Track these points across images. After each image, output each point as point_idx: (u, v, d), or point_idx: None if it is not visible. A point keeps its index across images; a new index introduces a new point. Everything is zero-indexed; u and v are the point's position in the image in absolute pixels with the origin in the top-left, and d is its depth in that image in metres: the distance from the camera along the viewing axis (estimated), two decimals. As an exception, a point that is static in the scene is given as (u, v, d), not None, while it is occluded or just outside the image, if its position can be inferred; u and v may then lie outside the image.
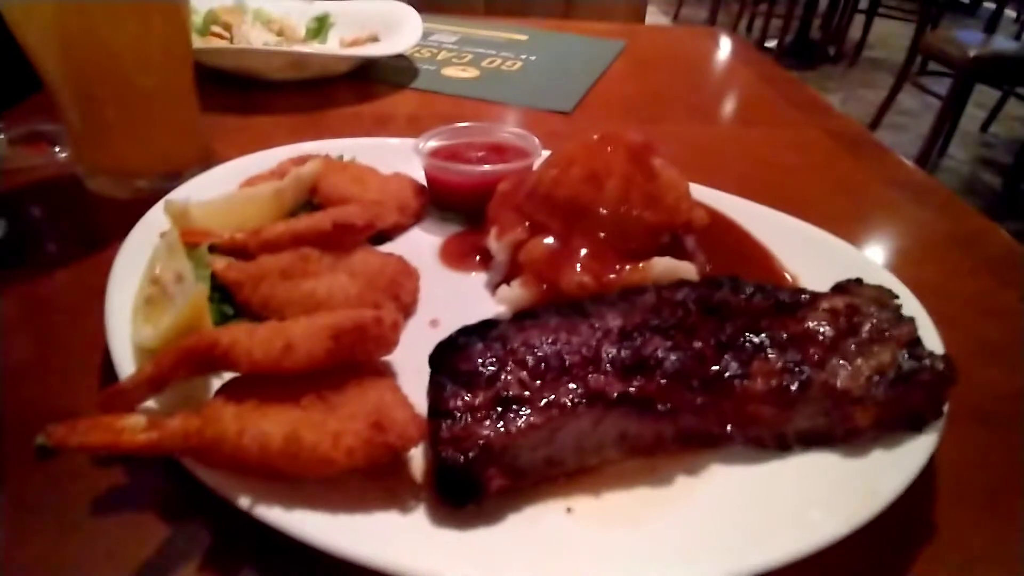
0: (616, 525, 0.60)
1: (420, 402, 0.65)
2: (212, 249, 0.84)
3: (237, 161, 1.08)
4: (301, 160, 1.05)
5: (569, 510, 0.61)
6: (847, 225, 1.20)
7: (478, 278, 0.93)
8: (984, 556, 0.63)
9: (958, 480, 0.70)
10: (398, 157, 1.13)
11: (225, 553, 0.59)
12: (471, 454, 0.58)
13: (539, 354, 0.66)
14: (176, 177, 1.16)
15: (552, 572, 0.55)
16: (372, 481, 0.61)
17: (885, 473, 0.60)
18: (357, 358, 0.65)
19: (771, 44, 7.67)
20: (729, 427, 0.66)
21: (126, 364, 0.67)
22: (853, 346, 0.67)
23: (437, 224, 1.05)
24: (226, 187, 1.00)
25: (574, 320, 0.70)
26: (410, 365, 0.72)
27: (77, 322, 0.84)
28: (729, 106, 1.81)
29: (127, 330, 0.71)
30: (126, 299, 0.75)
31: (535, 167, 1.01)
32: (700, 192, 1.08)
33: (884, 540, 0.62)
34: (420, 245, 1.00)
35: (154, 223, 0.87)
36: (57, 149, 1.26)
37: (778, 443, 0.66)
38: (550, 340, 0.67)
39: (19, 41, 0.99)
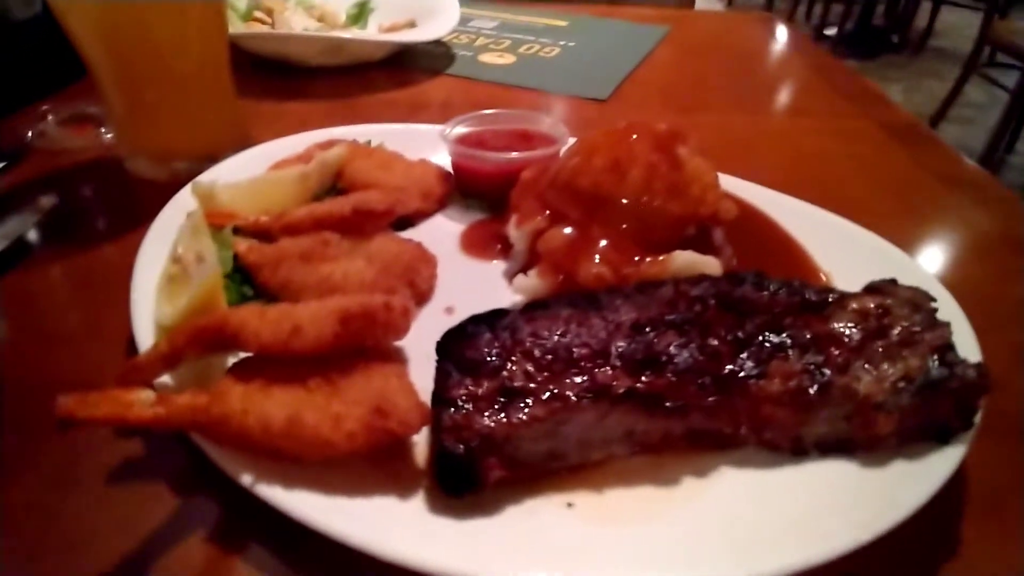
0: (617, 523, 0.59)
1: (430, 388, 0.65)
2: (236, 231, 0.86)
3: (268, 145, 1.09)
4: (328, 145, 1.05)
5: (570, 505, 0.60)
6: (893, 222, 1.14)
7: (497, 266, 0.92)
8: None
9: (990, 494, 0.65)
10: (426, 143, 1.13)
11: (232, 527, 0.61)
12: (471, 444, 0.57)
13: (547, 345, 0.65)
14: (212, 160, 1.18)
15: (548, 567, 0.54)
16: (375, 465, 0.61)
17: (906, 484, 0.57)
18: (365, 342, 0.65)
19: (831, 32, 7.36)
20: (742, 428, 0.63)
21: (146, 340, 0.69)
22: (880, 349, 0.64)
23: (461, 211, 1.05)
24: (256, 170, 1.02)
25: (586, 312, 0.69)
26: (422, 351, 0.72)
27: (110, 297, 0.87)
28: (776, 95, 1.74)
29: (150, 307, 0.73)
30: (152, 277, 0.77)
31: (560, 155, 0.99)
32: (733, 184, 1.04)
33: (906, 553, 0.59)
34: (442, 232, 0.99)
35: (183, 204, 0.90)
36: (103, 131, 1.31)
37: (794, 447, 0.63)
38: (559, 331, 0.66)
39: (63, 28, 1.03)
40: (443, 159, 1.10)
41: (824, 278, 0.89)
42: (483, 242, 0.96)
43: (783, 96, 1.75)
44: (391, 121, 1.40)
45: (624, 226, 0.82)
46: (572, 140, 1.05)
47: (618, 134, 0.88)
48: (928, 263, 1.03)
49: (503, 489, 0.59)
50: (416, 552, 0.53)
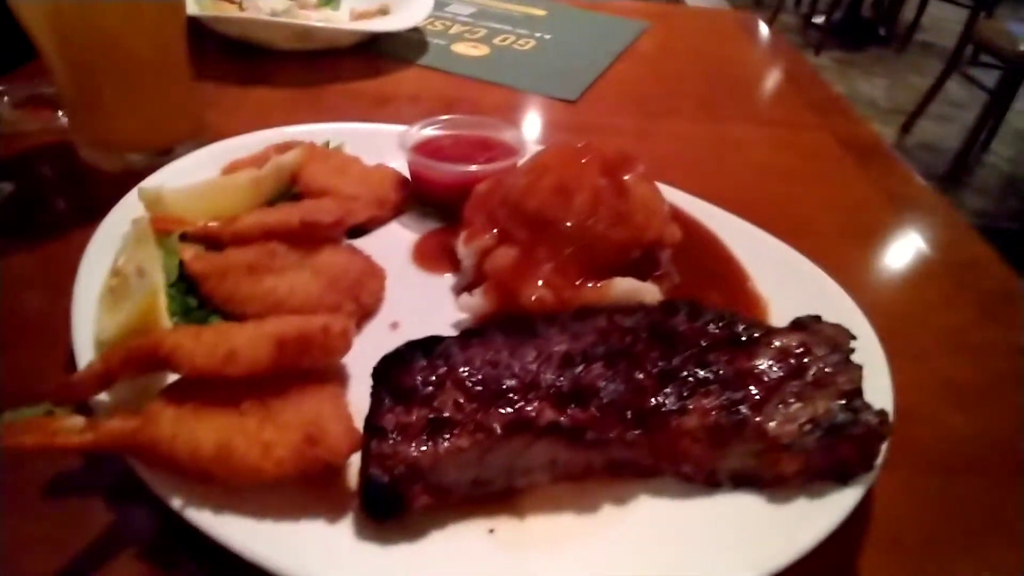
0: (536, 549, 0.62)
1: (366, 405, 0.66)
2: (184, 237, 0.86)
3: (222, 143, 1.09)
4: (285, 147, 1.05)
5: (491, 531, 0.62)
6: (839, 242, 1.18)
7: (447, 280, 0.94)
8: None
9: (895, 527, 0.69)
10: (388, 146, 1.12)
11: (166, 545, 0.62)
12: (397, 473, 0.59)
13: (478, 376, 0.67)
14: (167, 152, 1.17)
15: (462, 593, 0.57)
16: (307, 487, 0.63)
17: (804, 523, 0.61)
18: (303, 365, 0.67)
19: (819, 20, 7.35)
20: (661, 461, 0.66)
21: (86, 354, 0.70)
22: (794, 390, 0.67)
23: (417, 220, 1.06)
24: (210, 169, 1.02)
25: (521, 341, 0.71)
26: (364, 368, 0.73)
27: (60, 295, 0.86)
28: (743, 102, 1.75)
29: (90, 318, 0.73)
30: (94, 286, 0.77)
31: (517, 167, 1.00)
32: (685, 201, 1.07)
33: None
34: (394, 240, 1.00)
35: (131, 208, 0.89)
36: (60, 114, 1.28)
37: (708, 479, 0.66)
38: (492, 361, 0.68)
39: (11, 8, 1.00)
40: (403, 163, 1.10)
41: (763, 303, 0.92)
42: (435, 254, 0.97)
43: (750, 103, 1.76)
44: (356, 114, 1.40)
45: (569, 249, 0.84)
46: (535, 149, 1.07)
47: (568, 156, 0.89)
48: (867, 286, 1.07)
49: (428, 514, 0.62)
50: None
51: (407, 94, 1.56)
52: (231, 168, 1.02)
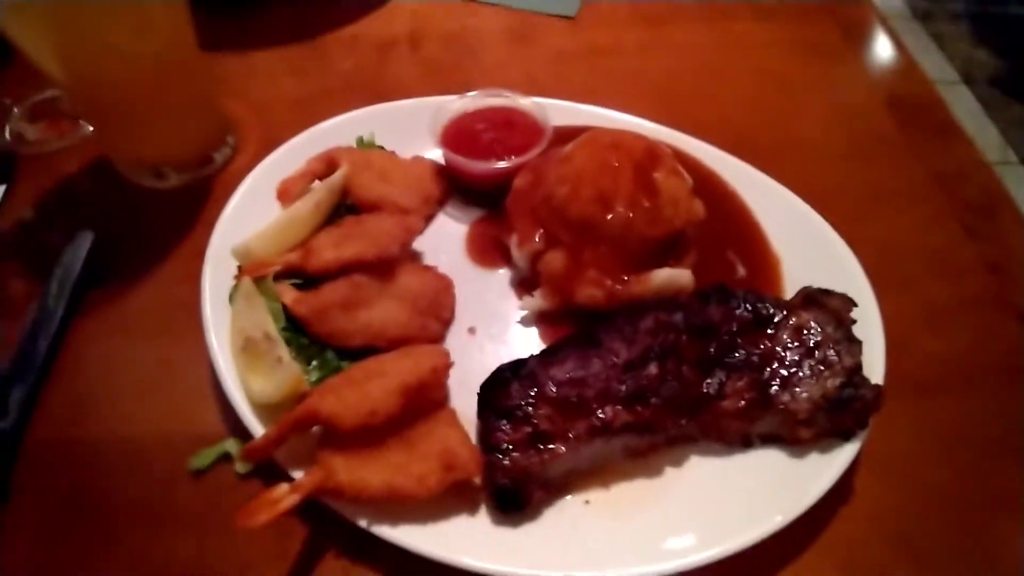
0: (623, 512, 0.84)
1: (466, 407, 0.87)
2: (276, 277, 0.98)
3: (263, 166, 1.13)
4: (326, 158, 1.12)
5: (587, 502, 0.85)
6: (832, 158, 1.28)
7: (503, 276, 1.08)
8: (892, 514, 0.87)
9: (882, 448, 0.90)
10: (414, 124, 1.17)
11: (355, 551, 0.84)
12: (517, 479, 0.80)
13: (562, 392, 0.85)
14: (207, 161, 1.23)
15: (575, 555, 0.80)
16: (451, 492, 0.83)
17: (818, 472, 0.83)
18: (423, 402, 0.85)
19: None
20: (707, 434, 0.87)
21: (244, 409, 0.87)
22: (808, 370, 0.86)
23: (460, 208, 1.16)
24: (266, 195, 1.10)
25: (589, 353, 0.88)
26: (456, 375, 0.91)
27: (178, 337, 1.01)
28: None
29: (233, 376, 0.90)
30: (225, 347, 0.93)
31: (552, 160, 1.08)
32: (697, 149, 1.18)
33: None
34: (447, 237, 1.12)
35: (219, 258, 1.00)
36: (81, 124, 1.29)
37: (743, 442, 0.88)
38: (570, 378, 0.86)
39: (11, 42, 0.97)
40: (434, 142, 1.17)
41: (776, 261, 1.07)
42: (486, 248, 1.10)
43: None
44: (361, 62, 1.45)
45: (610, 249, 0.97)
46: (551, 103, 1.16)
47: (601, 159, 0.98)
48: (858, 215, 1.16)
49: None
50: (486, 558, 0.78)
51: (405, 34, 1.53)
52: (285, 189, 1.10)
